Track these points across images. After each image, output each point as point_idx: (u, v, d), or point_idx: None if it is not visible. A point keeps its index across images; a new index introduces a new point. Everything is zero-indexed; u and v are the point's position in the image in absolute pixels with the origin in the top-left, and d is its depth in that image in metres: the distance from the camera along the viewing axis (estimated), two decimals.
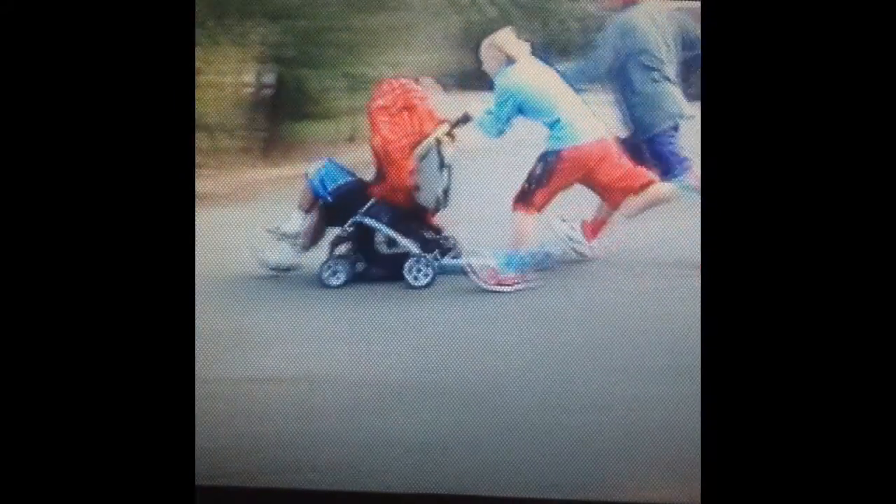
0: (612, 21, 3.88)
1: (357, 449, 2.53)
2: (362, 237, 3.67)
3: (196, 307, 2.07)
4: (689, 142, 3.84)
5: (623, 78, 3.85)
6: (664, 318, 3.30)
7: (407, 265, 3.57)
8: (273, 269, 3.73)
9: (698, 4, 2.36)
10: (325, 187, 3.69)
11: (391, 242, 3.63)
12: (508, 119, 3.65)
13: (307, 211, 3.72)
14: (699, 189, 3.22)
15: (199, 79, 4.34)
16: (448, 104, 3.93)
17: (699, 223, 2.01)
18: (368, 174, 3.78)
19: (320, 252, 3.76)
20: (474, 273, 3.59)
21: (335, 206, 3.66)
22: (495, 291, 3.61)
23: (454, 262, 3.69)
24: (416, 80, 3.86)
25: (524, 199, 3.68)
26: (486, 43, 3.70)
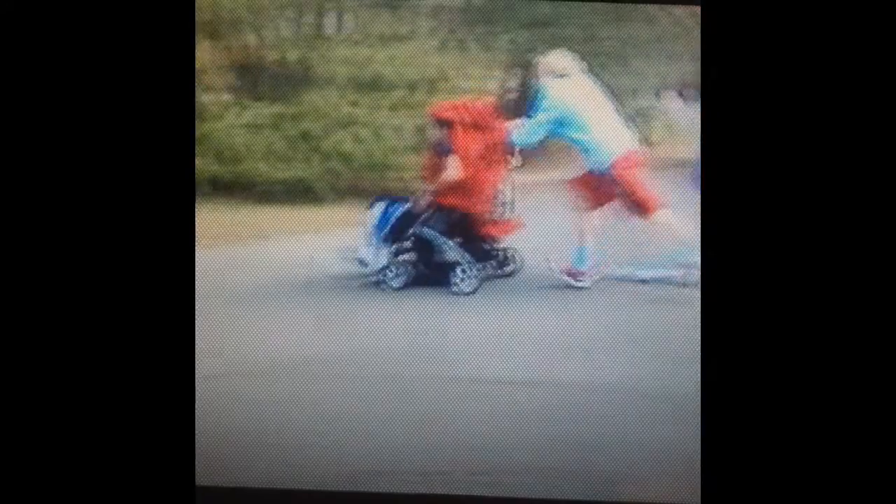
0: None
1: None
2: (422, 246, 3.77)
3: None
4: None
5: None
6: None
7: (453, 273, 3.69)
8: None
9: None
10: (381, 227, 3.79)
11: (444, 251, 3.74)
12: (548, 129, 3.73)
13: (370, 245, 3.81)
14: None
15: (446, 84, 4.48)
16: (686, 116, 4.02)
17: None
18: None
19: None
20: (553, 269, 3.72)
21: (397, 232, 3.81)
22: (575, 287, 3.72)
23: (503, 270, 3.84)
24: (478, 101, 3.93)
25: (634, 209, 3.72)
26: (541, 59, 3.79)
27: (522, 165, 3.81)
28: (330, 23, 4.30)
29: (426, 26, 4.52)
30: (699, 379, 1.99)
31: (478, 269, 3.70)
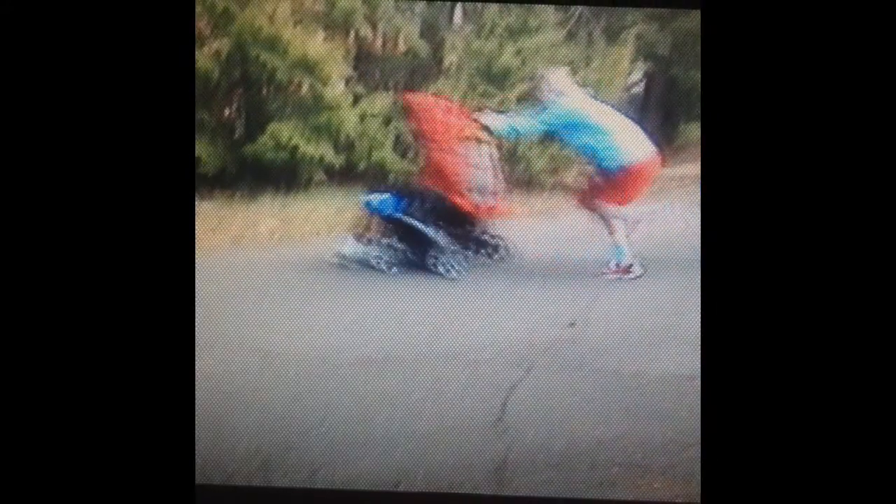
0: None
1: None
2: (407, 231, 3.80)
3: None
4: None
5: None
6: None
7: (429, 256, 3.72)
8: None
9: None
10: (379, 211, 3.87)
11: (424, 236, 3.77)
12: (551, 128, 3.76)
13: (358, 238, 3.85)
14: None
15: (582, 75, 4.50)
16: None
17: None
18: None
19: None
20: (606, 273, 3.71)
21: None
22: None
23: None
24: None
25: (586, 202, 3.74)
26: (541, 76, 3.79)
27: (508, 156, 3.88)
28: (458, 15, 4.30)
29: (553, 19, 4.42)
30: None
31: (452, 254, 3.71)
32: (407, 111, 3.82)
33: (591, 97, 3.82)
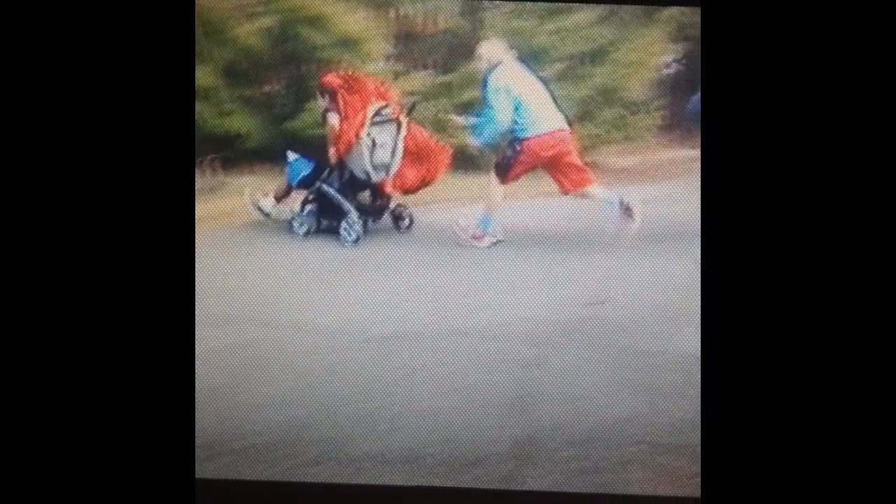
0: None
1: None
2: (323, 199, 4.10)
3: None
4: None
5: None
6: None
7: (344, 223, 3.99)
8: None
9: None
10: (292, 179, 4.14)
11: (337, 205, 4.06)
12: (503, 119, 3.88)
13: (278, 199, 4.16)
14: None
15: (609, 56, 4.58)
16: None
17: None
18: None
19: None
20: (458, 228, 3.99)
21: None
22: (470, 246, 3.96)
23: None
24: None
25: (498, 170, 3.96)
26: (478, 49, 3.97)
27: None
28: None
29: None
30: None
31: (362, 223, 3.99)
32: (320, 89, 4.03)
33: (523, 68, 3.94)
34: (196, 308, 2.18)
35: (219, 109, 4.17)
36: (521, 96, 3.90)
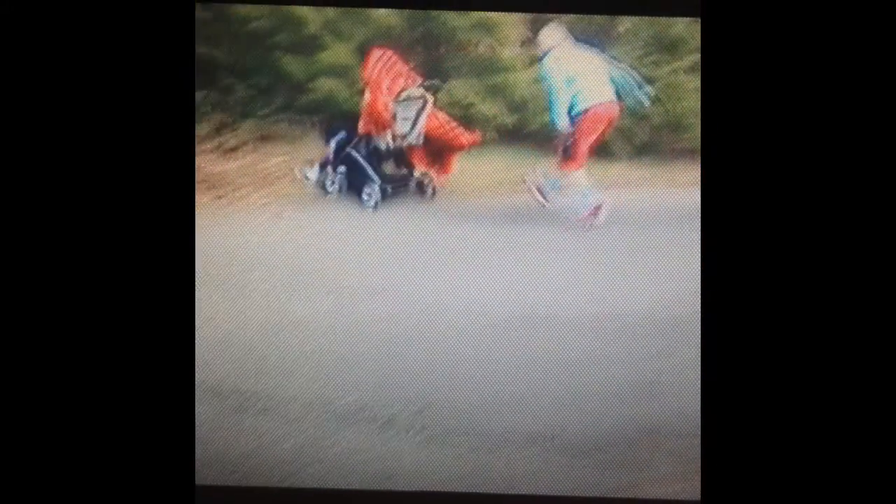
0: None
1: None
2: (352, 165, 4.24)
3: None
4: None
5: None
6: None
7: (365, 189, 4.14)
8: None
9: None
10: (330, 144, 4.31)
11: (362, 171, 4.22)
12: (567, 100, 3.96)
13: (322, 166, 4.28)
14: None
15: None
16: None
17: None
18: None
19: None
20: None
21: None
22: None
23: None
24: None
25: (566, 157, 4.01)
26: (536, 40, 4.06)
27: None
28: None
29: None
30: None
31: (381, 190, 4.14)
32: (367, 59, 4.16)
33: (579, 47, 4.01)
34: (305, 284, 2.21)
35: (353, 88, 4.25)
36: (574, 74, 3.98)
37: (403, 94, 4.20)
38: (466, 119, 4.21)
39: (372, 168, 4.21)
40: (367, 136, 4.24)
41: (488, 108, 4.25)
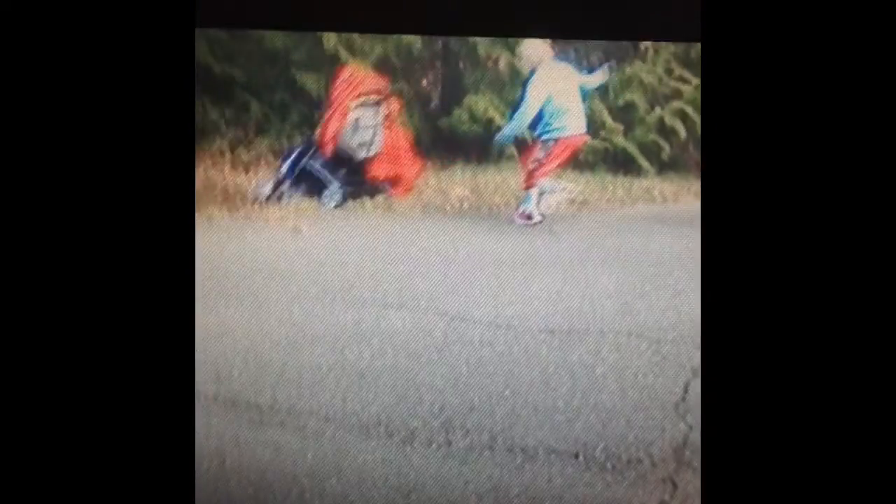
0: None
1: None
2: (307, 175, 4.23)
3: None
4: None
5: None
6: None
7: (325, 192, 4.15)
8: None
9: None
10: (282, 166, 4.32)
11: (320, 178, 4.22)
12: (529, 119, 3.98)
13: (277, 184, 4.28)
14: None
15: None
16: None
17: None
18: None
19: None
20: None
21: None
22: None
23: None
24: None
25: (529, 180, 4.04)
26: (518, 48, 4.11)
27: None
28: None
29: None
30: None
31: (342, 192, 4.20)
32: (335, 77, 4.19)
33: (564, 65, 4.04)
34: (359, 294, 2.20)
35: None
36: (553, 97, 4.00)
37: (361, 99, 4.21)
38: (486, 134, 4.21)
39: (328, 173, 4.22)
40: (322, 147, 4.25)
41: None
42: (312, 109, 4.25)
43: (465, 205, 4.10)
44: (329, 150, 4.23)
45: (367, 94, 4.21)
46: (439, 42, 4.31)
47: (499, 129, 4.16)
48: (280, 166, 4.28)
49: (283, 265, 3.52)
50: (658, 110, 4.31)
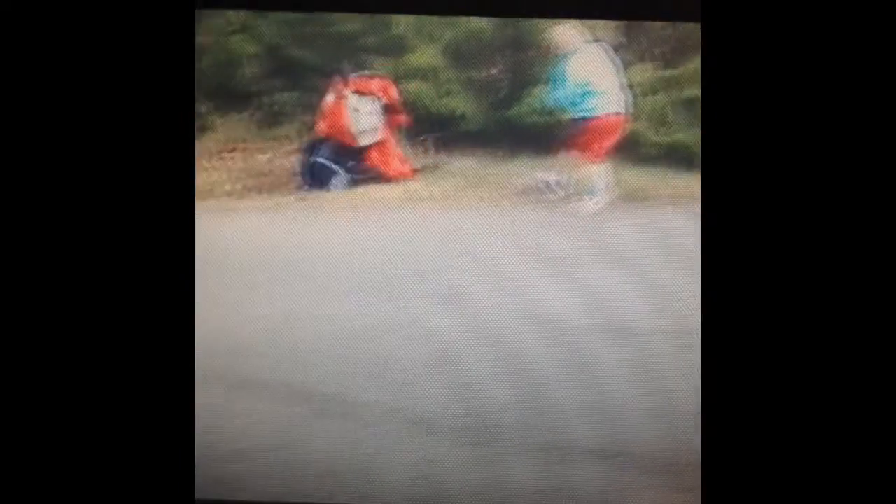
0: None
1: None
2: (320, 171, 4.20)
3: None
4: None
5: None
6: None
7: (332, 181, 4.15)
8: None
9: None
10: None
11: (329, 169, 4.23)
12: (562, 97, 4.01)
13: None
14: None
15: None
16: None
17: None
18: None
19: None
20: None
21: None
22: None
23: None
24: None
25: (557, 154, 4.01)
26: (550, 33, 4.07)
27: None
28: None
29: None
30: None
31: (347, 176, 4.24)
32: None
33: (598, 48, 4.04)
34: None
35: (439, 90, 4.22)
36: (589, 80, 4.02)
37: (358, 93, 4.22)
38: (552, 126, 4.17)
39: (334, 163, 4.23)
40: (328, 138, 4.25)
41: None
42: None
43: (523, 198, 4.08)
44: (332, 137, 4.27)
45: (368, 91, 4.25)
46: (510, 30, 4.27)
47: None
48: (304, 156, 4.30)
49: (348, 252, 3.57)
50: None
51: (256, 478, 2.65)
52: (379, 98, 4.24)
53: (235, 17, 4.22)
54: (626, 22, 4.04)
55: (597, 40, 4.07)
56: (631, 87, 4.08)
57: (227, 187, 4.05)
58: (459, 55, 4.26)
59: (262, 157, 4.18)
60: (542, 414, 2.76)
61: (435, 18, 4.21)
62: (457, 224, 3.85)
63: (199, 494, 2.49)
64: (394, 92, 4.30)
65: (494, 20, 4.18)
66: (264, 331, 3.05)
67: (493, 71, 4.30)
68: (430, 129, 4.19)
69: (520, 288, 3.37)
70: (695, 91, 4.11)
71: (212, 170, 4.07)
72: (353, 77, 4.23)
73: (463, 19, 4.17)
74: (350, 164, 4.38)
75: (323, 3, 3.96)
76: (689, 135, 4.12)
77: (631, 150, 4.12)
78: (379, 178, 4.26)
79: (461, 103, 4.23)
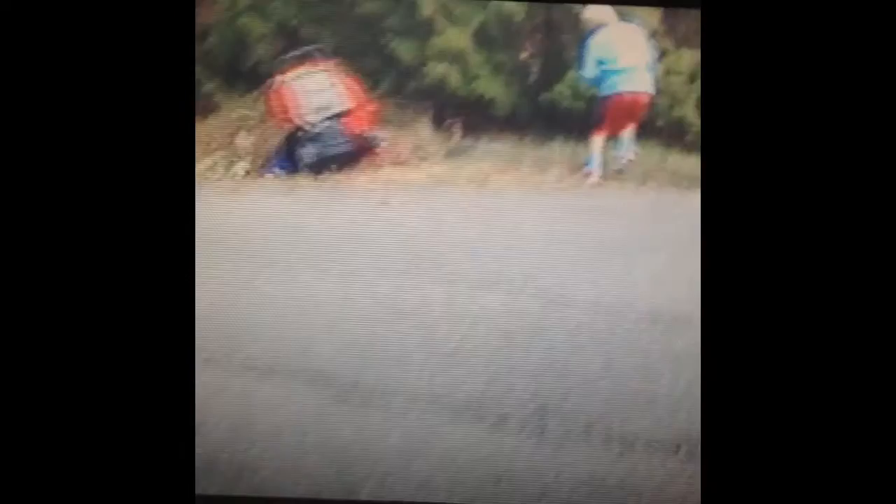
0: None
1: None
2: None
3: None
4: None
5: None
6: None
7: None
8: None
9: None
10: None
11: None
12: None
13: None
14: None
15: None
16: None
17: None
18: None
19: None
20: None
21: None
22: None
23: None
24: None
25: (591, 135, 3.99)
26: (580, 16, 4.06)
27: None
28: None
29: None
30: None
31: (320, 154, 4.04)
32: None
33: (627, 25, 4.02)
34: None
35: (467, 74, 4.13)
36: (616, 56, 3.99)
37: (301, 71, 4.15)
38: (588, 111, 4.08)
39: (299, 146, 4.11)
40: (279, 122, 4.15)
41: None
42: (404, 78, 4.14)
43: (564, 182, 3.96)
44: (288, 122, 4.17)
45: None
46: (542, 13, 4.18)
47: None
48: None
49: (372, 237, 3.44)
50: None
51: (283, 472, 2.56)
52: (324, 71, 4.15)
53: None
54: (666, 9, 4.00)
55: (628, 20, 4.06)
56: (677, 73, 4.09)
57: (241, 166, 3.95)
58: (488, 39, 4.19)
59: (273, 137, 4.14)
60: (586, 404, 2.65)
61: (463, 1, 4.12)
62: (485, 207, 3.75)
63: (200, 489, 2.41)
64: (333, 62, 4.20)
65: (525, 4, 4.10)
66: (284, 314, 2.95)
67: (523, 55, 4.28)
68: (457, 113, 4.10)
69: (564, 274, 3.19)
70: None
71: (219, 149, 3.98)
72: (289, 58, 4.16)
73: (493, 3, 4.09)
74: (323, 139, 4.22)
75: None
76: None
77: (676, 136, 4.09)
78: (366, 143, 4.14)
79: (490, 87, 4.13)
